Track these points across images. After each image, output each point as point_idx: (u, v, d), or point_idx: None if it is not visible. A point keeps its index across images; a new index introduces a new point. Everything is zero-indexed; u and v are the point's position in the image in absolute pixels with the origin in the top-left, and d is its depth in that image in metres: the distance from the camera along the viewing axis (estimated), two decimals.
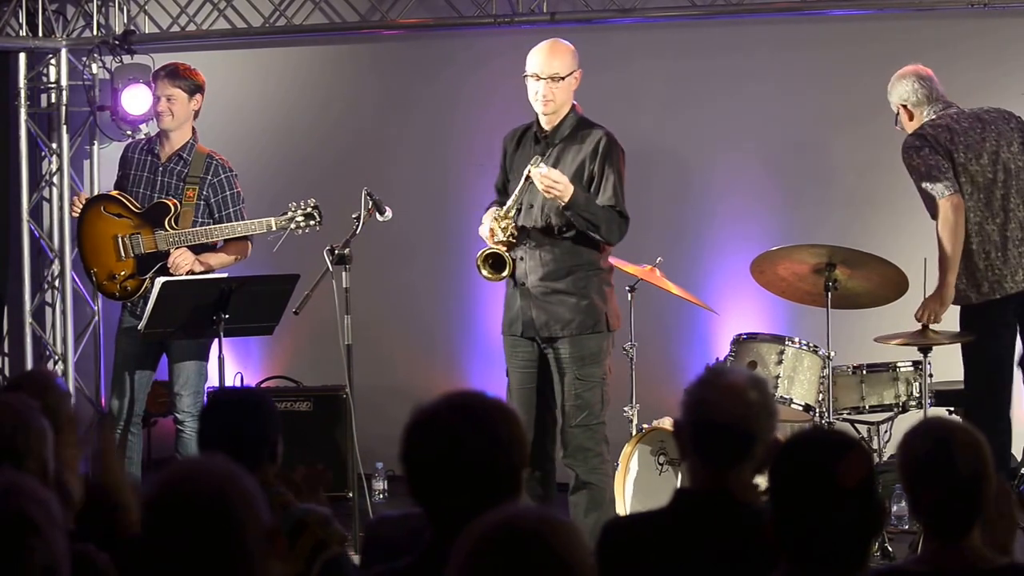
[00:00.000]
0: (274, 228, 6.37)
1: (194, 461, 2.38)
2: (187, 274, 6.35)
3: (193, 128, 6.62)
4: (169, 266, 6.39)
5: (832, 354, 5.94)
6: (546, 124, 5.67)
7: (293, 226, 6.36)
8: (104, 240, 6.56)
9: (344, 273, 5.79)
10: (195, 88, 6.55)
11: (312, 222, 6.37)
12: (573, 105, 5.70)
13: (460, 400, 2.69)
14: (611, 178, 5.59)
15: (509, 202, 5.57)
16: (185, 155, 6.55)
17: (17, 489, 2.23)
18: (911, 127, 6.01)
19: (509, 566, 2.04)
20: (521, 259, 5.63)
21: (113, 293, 6.59)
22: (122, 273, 6.52)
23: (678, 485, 5.73)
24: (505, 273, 5.60)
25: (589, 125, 5.68)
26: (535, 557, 2.04)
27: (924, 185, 5.87)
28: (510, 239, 5.58)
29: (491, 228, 5.60)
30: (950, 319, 6.51)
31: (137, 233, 6.51)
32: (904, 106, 6.04)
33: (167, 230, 6.45)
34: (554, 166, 5.53)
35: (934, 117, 5.97)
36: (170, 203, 6.47)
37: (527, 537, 2.06)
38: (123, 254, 6.52)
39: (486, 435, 2.62)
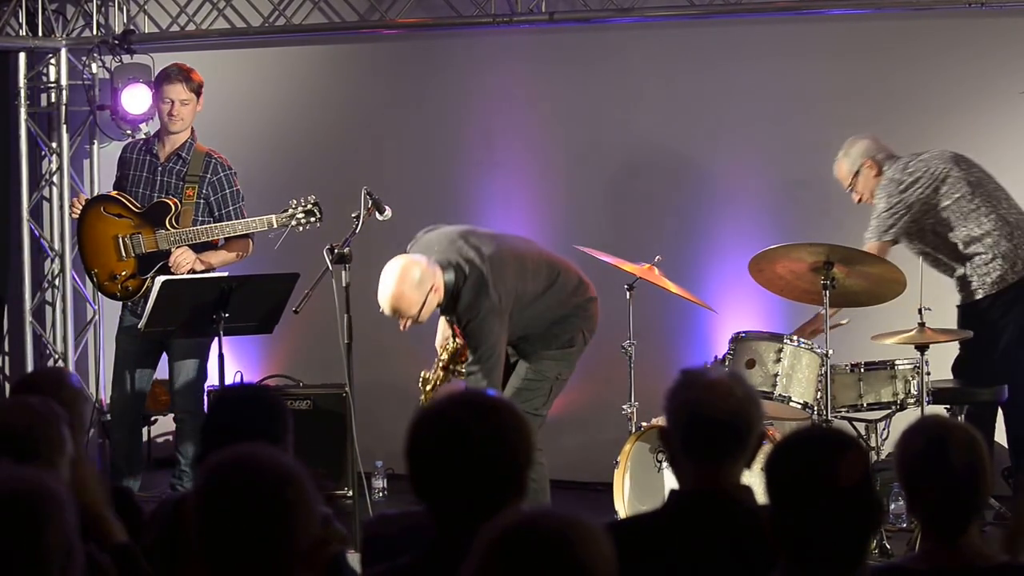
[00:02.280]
0: (275, 225, 6.39)
1: (266, 451, 2.41)
2: (188, 273, 6.37)
3: (192, 128, 6.66)
4: (170, 265, 6.40)
5: (830, 352, 5.96)
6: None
7: (294, 223, 6.38)
8: (105, 240, 6.58)
9: (344, 272, 5.79)
10: (201, 89, 6.63)
11: (312, 219, 6.39)
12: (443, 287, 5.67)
13: (466, 398, 2.70)
14: (475, 339, 5.66)
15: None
16: (184, 154, 6.58)
17: (28, 475, 2.26)
18: (876, 183, 6.49)
19: (531, 566, 2.04)
20: None
21: (114, 293, 6.60)
22: (123, 273, 6.54)
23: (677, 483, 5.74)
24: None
25: (460, 292, 5.67)
26: (558, 559, 2.04)
27: (875, 219, 6.44)
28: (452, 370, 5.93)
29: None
30: (948, 317, 6.53)
31: (138, 233, 6.53)
32: (872, 159, 6.51)
33: (168, 229, 6.47)
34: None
35: (902, 165, 6.48)
36: (170, 202, 6.50)
37: (551, 538, 2.06)
38: (124, 254, 6.54)
39: (492, 433, 2.62)
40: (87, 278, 6.87)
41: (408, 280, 5.58)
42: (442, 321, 5.98)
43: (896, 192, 6.40)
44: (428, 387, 5.95)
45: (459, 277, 5.63)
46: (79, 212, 6.63)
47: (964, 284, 6.46)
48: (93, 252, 6.65)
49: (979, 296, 6.41)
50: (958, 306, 6.50)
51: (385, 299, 5.61)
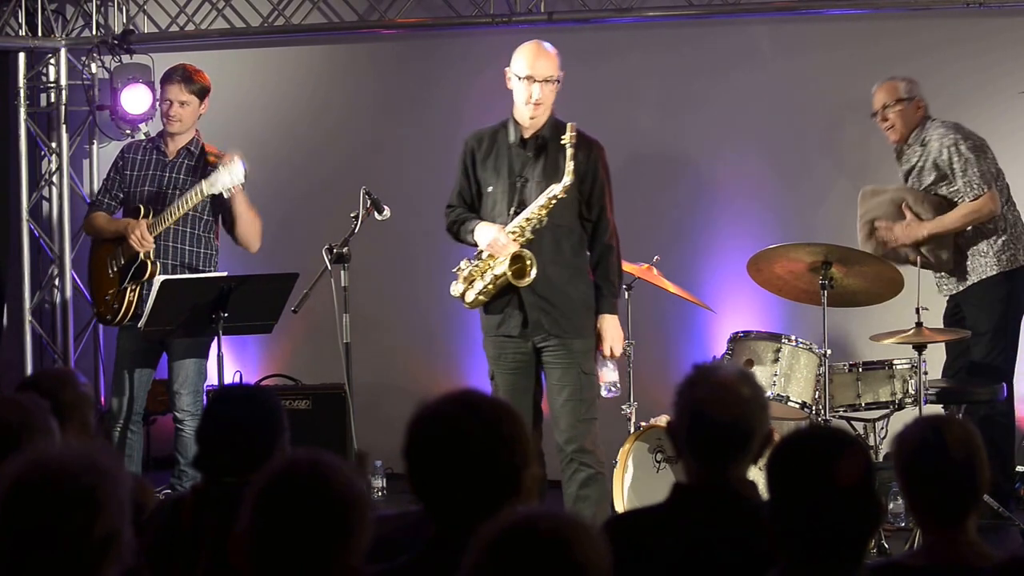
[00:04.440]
0: (205, 192, 6.33)
1: (334, 459, 2.44)
2: (146, 241, 6.35)
3: (196, 129, 6.66)
4: (133, 244, 6.38)
5: (828, 352, 5.97)
6: (528, 125, 5.63)
7: (220, 187, 6.29)
8: (101, 268, 6.61)
9: (343, 272, 5.81)
10: (205, 92, 6.60)
11: (234, 177, 6.28)
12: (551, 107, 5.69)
13: (464, 397, 2.71)
14: (604, 190, 5.63)
15: (526, 218, 5.52)
16: (193, 148, 6.58)
17: (88, 453, 2.29)
18: (916, 121, 6.45)
19: (528, 567, 2.06)
20: None
21: (107, 317, 6.60)
22: (111, 292, 6.54)
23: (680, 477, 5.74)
24: (531, 276, 5.51)
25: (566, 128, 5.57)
26: (554, 559, 2.06)
27: (976, 168, 6.33)
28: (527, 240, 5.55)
29: (516, 228, 5.52)
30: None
31: (119, 246, 6.54)
32: (922, 101, 6.50)
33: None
34: (544, 170, 5.55)
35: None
36: (141, 207, 6.51)
37: (548, 538, 2.07)
38: (111, 272, 6.55)
39: (489, 432, 2.64)
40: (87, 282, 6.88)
41: (554, 50, 5.66)
42: (489, 229, 5.60)
43: (984, 146, 6.40)
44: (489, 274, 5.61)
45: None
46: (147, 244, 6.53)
47: (978, 259, 6.45)
48: (96, 285, 6.66)
49: (994, 272, 6.43)
50: (973, 284, 6.47)
51: (540, 48, 5.61)
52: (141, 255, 6.43)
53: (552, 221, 5.55)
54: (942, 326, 6.44)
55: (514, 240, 5.52)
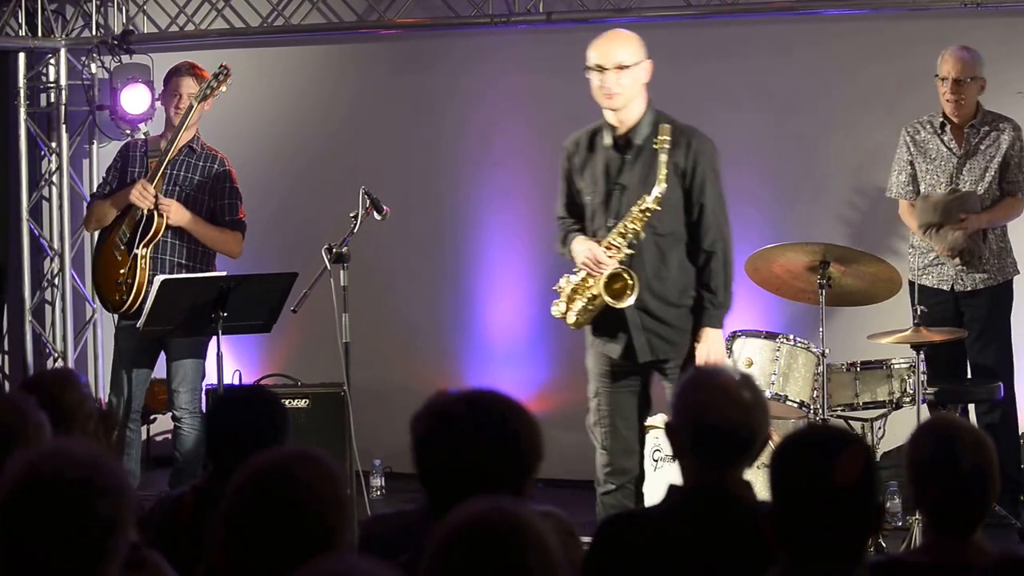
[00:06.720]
0: (197, 96, 6.41)
1: (296, 456, 2.43)
2: (163, 225, 6.36)
3: (196, 128, 6.67)
4: (131, 198, 6.38)
5: (826, 351, 5.97)
6: (616, 122, 5.16)
7: (208, 91, 6.38)
8: (108, 259, 6.58)
9: (342, 271, 5.81)
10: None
11: (218, 81, 6.38)
12: (649, 101, 5.22)
13: (479, 396, 2.73)
14: (705, 186, 5.15)
15: (619, 232, 5.08)
16: (194, 146, 6.59)
17: (84, 456, 2.29)
18: (975, 100, 6.46)
19: (480, 560, 2.07)
20: None
21: (123, 298, 6.50)
22: (121, 272, 6.51)
23: (672, 481, 5.73)
24: (629, 301, 5.08)
25: (670, 123, 5.13)
26: (505, 552, 2.07)
27: None
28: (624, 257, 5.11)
29: (611, 244, 5.08)
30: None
31: (120, 224, 6.52)
32: (985, 83, 6.48)
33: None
34: (641, 173, 5.12)
35: None
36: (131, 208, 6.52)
37: (499, 531, 2.09)
38: (118, 256, 6.52)
39: (500, 432, 2.66)
40: (88, 281, 6.86)
41: (631, 33, 5.18)
42: (584, 245, 5.17)
43: None
44: (578, 294, 5.18)
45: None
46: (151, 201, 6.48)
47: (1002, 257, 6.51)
48: (106, 278, 6.61)
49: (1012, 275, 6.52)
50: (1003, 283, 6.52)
51: (606, 34, 5.15)
52: (144, 211, 6.42)
53: (654, 230, 5.10)
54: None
55: (611, 257, 5.06)
